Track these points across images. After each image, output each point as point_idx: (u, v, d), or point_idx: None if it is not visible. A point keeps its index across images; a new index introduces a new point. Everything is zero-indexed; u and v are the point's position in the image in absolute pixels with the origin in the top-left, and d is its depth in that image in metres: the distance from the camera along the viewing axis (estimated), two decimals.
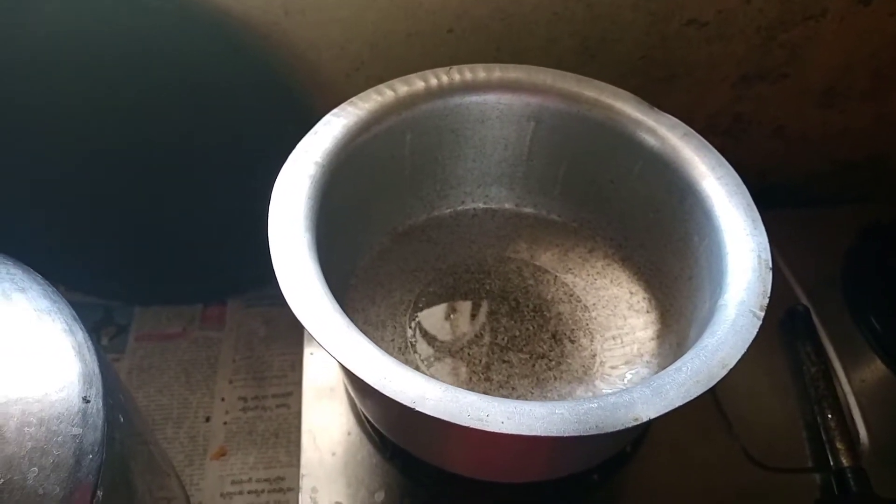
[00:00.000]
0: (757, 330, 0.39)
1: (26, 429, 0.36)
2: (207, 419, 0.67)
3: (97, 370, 0.41)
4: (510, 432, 0.34)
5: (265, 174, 0.67)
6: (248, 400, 0.69)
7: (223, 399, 0.69)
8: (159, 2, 0.56)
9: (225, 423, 0.67)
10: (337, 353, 0.36)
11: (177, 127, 0.63)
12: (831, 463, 0.53)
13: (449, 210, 0.60)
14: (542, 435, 0.34)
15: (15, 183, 0.65)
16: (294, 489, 0.63)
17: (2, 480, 0.34)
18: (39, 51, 0.56)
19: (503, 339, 0.54)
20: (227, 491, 0.63)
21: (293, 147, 0.63)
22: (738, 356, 0.38)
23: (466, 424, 0.34)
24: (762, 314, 0.40)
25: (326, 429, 0.54)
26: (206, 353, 0.72)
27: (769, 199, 0.79)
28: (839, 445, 0.53)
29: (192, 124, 0.63)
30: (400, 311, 0.56)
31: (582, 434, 0.34)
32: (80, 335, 0.42)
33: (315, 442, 0.53)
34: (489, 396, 0.36)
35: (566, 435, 0.34)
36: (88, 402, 0.39)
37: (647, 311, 0.55)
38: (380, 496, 0.51)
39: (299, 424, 0.66)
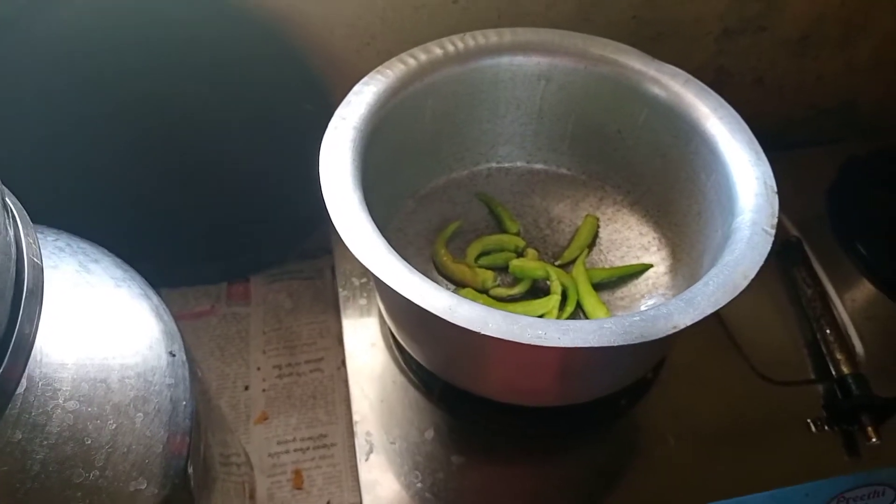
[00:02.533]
0: (770, 244, 0.44)
1: (127, 380, 0.39)
2: (246, 388, 0.71)
3: (175, 328, 0.45)
4: (567, 346, 0.38)
5: (282, 152, 0.70)
6: (282, 367, 0.72)
7: (259, 368, 0.72)
8: None
9: (263, 390, 0.70)
10: (409, 294, 0.40)
11: (196, 109, 0.66)
12: (833, 372, 0.58)
13: (466, 171, 0.64)
14: (596, 346, 0.39)
15: (41, 168, 0.67)
16: (337, 444, 0.67)
17: (115, 425, 0.38)
18: (76, 41, 0.58)
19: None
20: (274, 451, 0.67)
21: (310, 125, 0.67)
22: (757, 268, 0.42)
23: (528, 342, 0.38)
24: (773, 231, 0.45)
25: (372, 380, 0.58)
26: (237, 328, 0.75)
27: None
28: (839, 356, 0.58)
29: (210, 106, 0.66)
30: (430, 267, 0.60)
31: (630, 343, 0.39)
32: (155, 298, 0.45)
33: (363, 391, 0.57)
34: (544, 319, 0.40)
35: (616, 344, 0.39)
36: (174, 356, 0.43)
37: (658, 249, 0.60)
38: (430, 434, 0.55)
39: (334, 386, 0.71)
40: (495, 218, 0.62)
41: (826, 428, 0.56)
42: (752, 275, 0.42)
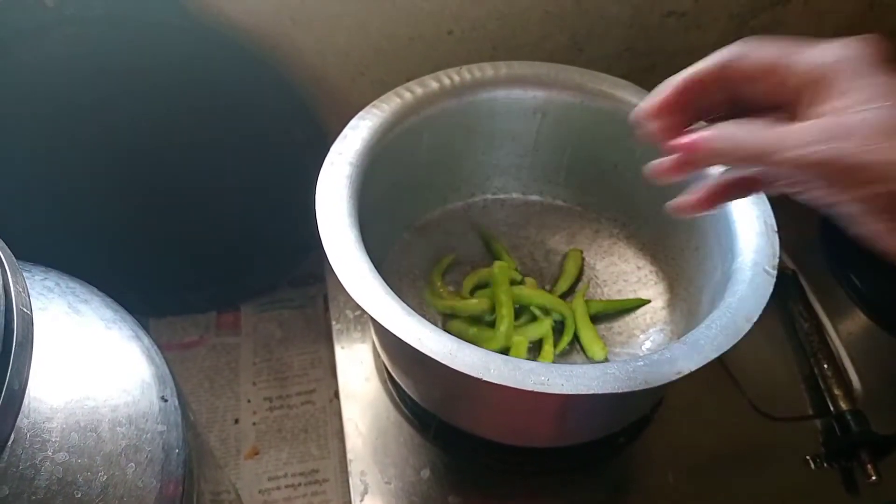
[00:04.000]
0: (773, 286, 0.43)
1: (118, 428, 0.38)
2: (236, 421, 0.69)
3: (167, 371, 0.43)
4: (571, 392, 0.38)
5: (273, 180, 0.69)
6: (273, 400, 0.71)
7: (249, 401, 0.71)
8: (176, 19, 0.58)
9: (254, 423, 0.69)
10: (407, 338, 0.39)
11: (190, 138, 0.65)
12: (831, 408, 0.58)
13: (461, 203, 0.64)
14: (600, 392, 0.38)
15: (29, 197, 0.66)
16: (329, 480, 0.66)
17: (105, 477, 0.36)
18: (63, 71, 0.57)
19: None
20: (265, 487, 0.65)
21: (302, 153, 0.66)
22: (760, 310, 0.42)
23: (531, 389, 0.38)
24: (775, 272, 0.44)
25: (366, 416, 0.57)
26: (226, 359, 0.74)
27: None
28: (837, 392, 0.58)
29: (204, 134, 0.65)
30: (427, 300, 0.59)
31: (634, 389, 0.38)
32: (146, 340, 0.44)
33: (358, 429, 0.56)
34: (545, 363, 0.40)
35: (620, 391, 0.38)
36: (166, 400, 0.42)
37: (655, 283, 0.59)
38: (425, 473, 0.54)
39: (327, 419, 0.69)
40: (491, 252, 0.62)
41: (825, 465, 0.56)
42: (755, 317, 0.42)
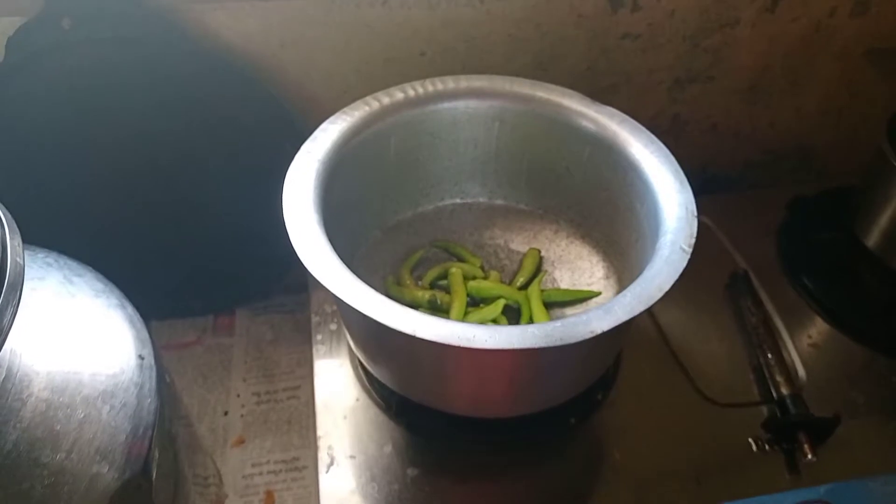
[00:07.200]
0: (686, 262, 0.48)
1: (97, 377, 0.44)
2: (226, 413, 0.74)
3: (147, 336, 0.49)
4: (493, 347, 0.42)
5: (266, 192, 0.76)
6: (261, 394, 0.76)
7: (238, 395, 0.76)
8: (178, 41, 0.65)
9: (242, 415, 0.74)
10: (363, 308, 0.44)
11: (186, 151, 0.72)
12: (774, 394, 0.61)
13: (431, 206, 0.69)
14: (519, 348, 0.43)
15: (43, 199, 0.72)
16: (308, 467, 0.70)
17: (83, 414, 0.42)
18: (76, 84, 0.65)
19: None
20: (248, 472, 0.70)
21: (290, 164, 0.72)
22: (672, 282, 0.47)
23: (457, 344, 0.42)
24: (690, 250, 0.49)
25: (337, 398, 0.62)
26: (220, 357, 0.79)
27: (711, 187, 0.89)
28: (779, 378, 0.61)
29: (199, 147, 0.72)
30: (390, 290, 0.64)
31: (549, 345, 0.43)
32: (130, 309, 0.50)
33: (328, 409, 0.61)
34: (474, 324, 0.45)
35: (537, 346, 0.43)
36: (143, 358, 0.47)
37: (607, 277, 0.64)
38: (387, 448, 0.58)
39: (308, 412, 0.74)
40: (456, 257, 0.67)
41: (767, 447, 0.59)
42: (667, 287, 0.46)
